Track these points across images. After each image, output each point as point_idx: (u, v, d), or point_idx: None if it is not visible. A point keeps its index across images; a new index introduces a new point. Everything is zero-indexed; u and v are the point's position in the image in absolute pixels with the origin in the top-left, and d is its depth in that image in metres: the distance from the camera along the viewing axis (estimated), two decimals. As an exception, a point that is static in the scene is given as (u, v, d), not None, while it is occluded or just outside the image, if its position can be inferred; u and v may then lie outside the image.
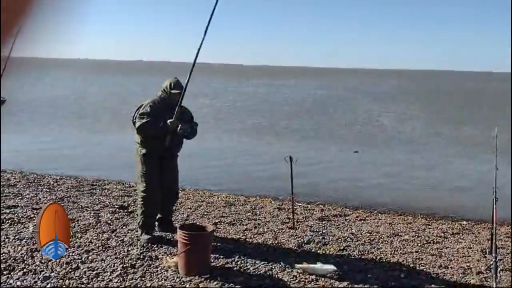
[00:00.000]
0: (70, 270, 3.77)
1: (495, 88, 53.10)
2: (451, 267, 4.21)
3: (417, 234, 5.30)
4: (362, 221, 5.98)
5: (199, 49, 4.29)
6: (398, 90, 44.83)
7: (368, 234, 5.16)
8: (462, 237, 5.28)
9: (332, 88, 46.88)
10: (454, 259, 4.45)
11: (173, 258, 4.03)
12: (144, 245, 4.39)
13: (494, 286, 3.27)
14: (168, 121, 4.36)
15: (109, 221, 5.07)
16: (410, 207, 7.55)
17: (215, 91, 35.44)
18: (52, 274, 3.67)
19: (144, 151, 4.50)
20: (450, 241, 5.08)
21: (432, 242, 4.98)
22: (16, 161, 9.06)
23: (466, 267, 4.21)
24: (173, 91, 4.50)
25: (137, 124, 4.43)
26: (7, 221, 4.76)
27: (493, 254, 3.59)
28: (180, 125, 4.39)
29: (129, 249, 4.28)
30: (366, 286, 3.70)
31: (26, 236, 4.37)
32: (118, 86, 38.96)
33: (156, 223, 4.71)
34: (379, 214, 6.69)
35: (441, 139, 14.99)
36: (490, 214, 4.13)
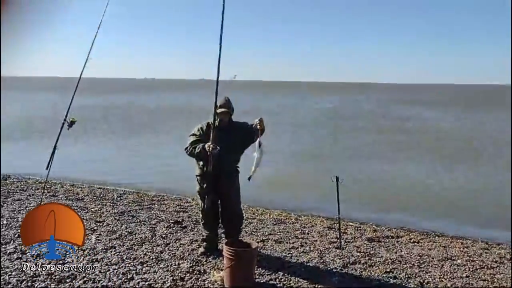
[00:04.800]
0: (125, 280, 4.07)
1: None
2: (503, 295, 4.03)
3: (471, 259, 5.10)
4: (415, 243, 5.85)
5: (218, 65, 4.43)
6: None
7: (418, 257, 5.05)
8: (521, 264, 5.01)
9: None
10: (507, 285, 4.25)
11: (219, 273, 4.22)
12: (194, 259, 4.62)
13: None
14: (206, 145, 4.39)
15: (163, 235, 5.38)
16: (472, 230, 7.27)
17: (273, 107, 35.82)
18: (109, 283, 3.99)
19: (196, 171, 4.65)
20: (506, 266, 4.84)
21: (486, 267, 4.79)
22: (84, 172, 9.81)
23: (520, 295, 4.01)
24: (218, 111, 4.51)
25: (184, 147, 4.63)
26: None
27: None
28: (213, 148, 4.35)
29: (180, 262, 4.53)
30: (409, 309, 3.66)
31: (89, 247, 4.76)
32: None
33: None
34: (435, 237, 6.48)
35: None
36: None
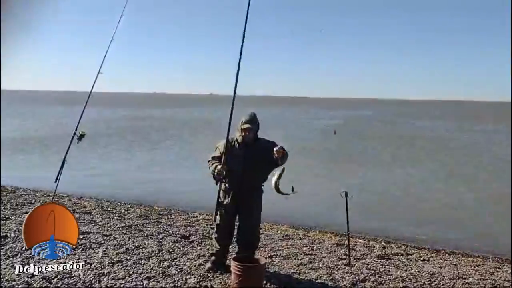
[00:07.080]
0: (132, 295, 4.03)
1: None
2: (517, 315, 3.93)
3: (483, 278, 5.01)
4: (425, 261, 5.76)
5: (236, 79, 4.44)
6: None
7: (429, 276, 4.95)
8: (534, 283, 4.89)
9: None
10: (522, 307, 4.15)
11: (227, 289, 4.17)
12: (201, 274, 4.57)
13: None
14: (217, 167, 4.35)
15: (170, 250, 5.33)
16: (483, 247, 7.16)
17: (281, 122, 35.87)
18: (115, 298, 3.95)
19: (222, 185, 4.51)
20: (520, 286, 4.74)
21: (498, 286, 4.69)
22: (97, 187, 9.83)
23: (535, 316, 3.91)
24: (243, 126, 4.43)
25: (207, 160, 4.60)
26: (80, 246, 5.18)
27: None
28: (218, 173, 4.31)
29: (187, 277, 4.47)
30: (420, 329, 3.58)
31: (96, 261, 4.72)
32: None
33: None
34: (446, 255, 6.38)
35: None
36: None
